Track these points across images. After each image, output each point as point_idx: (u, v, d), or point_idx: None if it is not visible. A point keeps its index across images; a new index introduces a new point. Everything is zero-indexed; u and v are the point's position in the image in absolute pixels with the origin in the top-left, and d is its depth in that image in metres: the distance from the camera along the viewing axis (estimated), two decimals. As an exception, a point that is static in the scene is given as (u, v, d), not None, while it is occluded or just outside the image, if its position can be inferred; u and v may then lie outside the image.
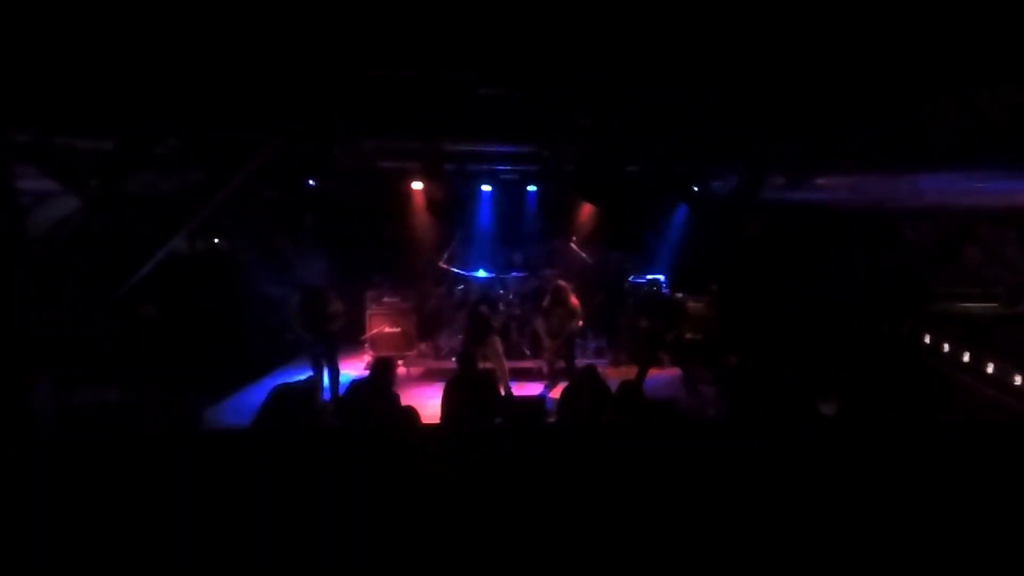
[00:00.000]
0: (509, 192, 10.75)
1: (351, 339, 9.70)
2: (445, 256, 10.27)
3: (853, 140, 5.57)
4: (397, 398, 5.21)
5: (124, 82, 4.54)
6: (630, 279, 10.53)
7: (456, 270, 10.19)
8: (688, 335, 9.15)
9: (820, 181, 5.81)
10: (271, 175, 7.66)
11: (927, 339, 6.43)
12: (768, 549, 2.29)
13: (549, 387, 8.68)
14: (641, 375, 8.63)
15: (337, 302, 7.86)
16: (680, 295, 9.06)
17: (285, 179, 8.11)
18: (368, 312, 10.04)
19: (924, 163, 4.45)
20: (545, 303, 9.51)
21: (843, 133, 5.58)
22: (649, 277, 10.29)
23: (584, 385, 5.91)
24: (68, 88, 4.45)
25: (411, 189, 9.74)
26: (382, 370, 5.30)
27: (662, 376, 9.35)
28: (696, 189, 8.58)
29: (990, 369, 5.59)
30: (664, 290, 9.29)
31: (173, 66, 4.51)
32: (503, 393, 8.15)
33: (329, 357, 7.70)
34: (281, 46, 4.36)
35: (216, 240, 8.77)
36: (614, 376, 9.54)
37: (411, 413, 4.48)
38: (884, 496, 2.44)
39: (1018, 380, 5.36)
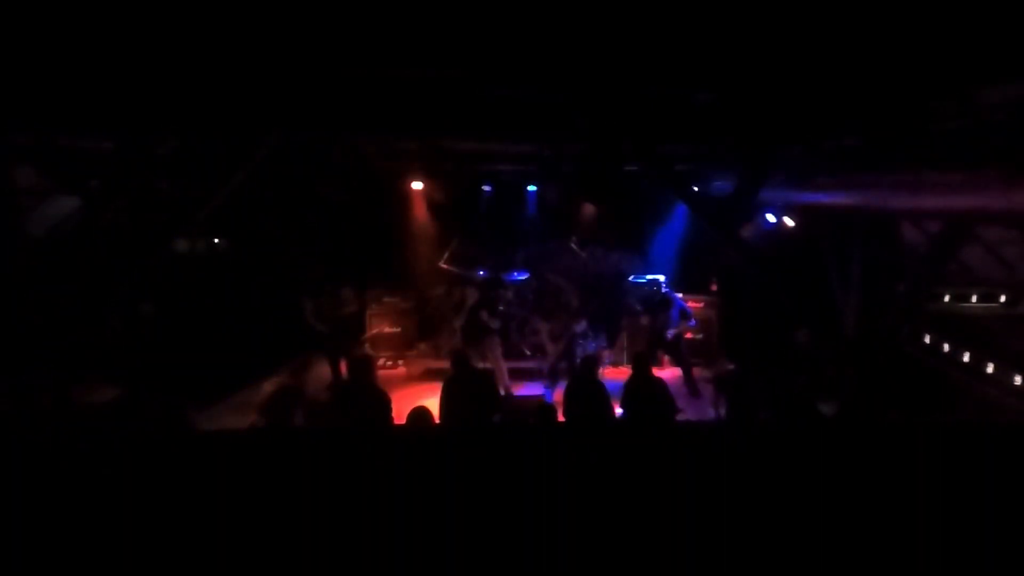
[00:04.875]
0: (509, 192, 10.78)
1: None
2: (445, 256, 10.28)
3: (853, 140, 5.57)
4: (383, 394, 5.32)
5: (124, 82, 4.53)
6: (630, 279, 10.55)
7: (456, 270, 10.20)
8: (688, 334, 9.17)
9: (820, 181, 5.80)
10: (270, 175, 7.67)
11: (927, 339, 6.45)
12: (768, 551, 2.27)
13: (550, 388, 8.68)
14: None
15: (346, 290, 8.41)
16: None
17: (285, 179, 8.14)
18: (368, 312, 10.06)
19: (924, 163, 4.45)
20: (547, 306, 9.53)
21: (843, 133, 5.58)
22: (649, 277, 10.31)
23: (584, 379, 6.00)
24: (68, 88, 4.44)
25: (411, 189, 9.74)
26: (362, 369, 5.41)
27: (661, 374, 9.33)
28: (696, 189, 8.58)
29: (990, 369, 5.60)
30: (664, 289, 9.29)
31: (173, 66, 4.51)
32: (502, 393, 8.18)
33: (346, 347, 7.97)
34: (281, 46, 4.35)
35: (216, 240, 8.80)
36: (614, 376, 9.57)
37: (424, 412, 4.54)
38: (884, 498, 2.40)
39: (1018, 380, 5.36)
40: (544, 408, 5.48)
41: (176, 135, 5.41)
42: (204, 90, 4.83)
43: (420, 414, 4.54)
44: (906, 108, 4.81)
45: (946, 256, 5.35)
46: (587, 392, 5.84)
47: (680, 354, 8.95)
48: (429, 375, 9.61)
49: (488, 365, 8.52)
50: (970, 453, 2.80)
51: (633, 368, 6.11)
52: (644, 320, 9.04)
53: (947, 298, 5.41)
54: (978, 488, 2.46)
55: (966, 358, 5.83)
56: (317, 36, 4.21)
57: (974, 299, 5.29)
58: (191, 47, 4.29)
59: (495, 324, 8.71)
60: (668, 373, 9.44)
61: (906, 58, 4.01)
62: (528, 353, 9.85)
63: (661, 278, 10.16)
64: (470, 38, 4.03)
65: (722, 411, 7.33)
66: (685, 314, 8.82)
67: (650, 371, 6.08)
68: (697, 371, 9.10)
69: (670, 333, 8.65)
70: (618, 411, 6.58)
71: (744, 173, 6.16)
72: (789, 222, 7.37)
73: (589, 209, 10.67)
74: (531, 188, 10.64)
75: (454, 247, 10.49)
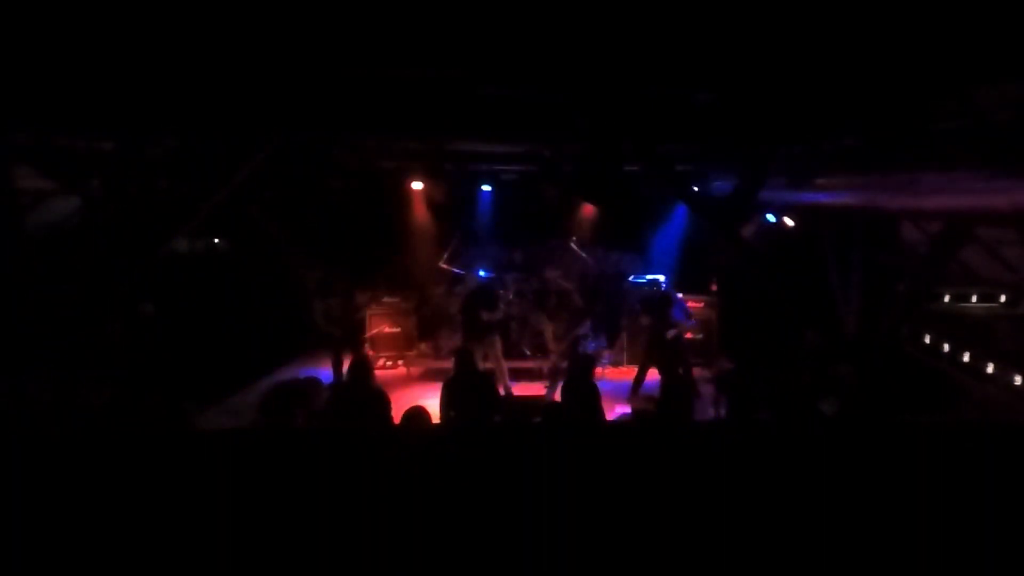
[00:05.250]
0: (509, 192, 10.80)
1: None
2: (445, 256, 10.30)
3: (853, 140, 5.59)
4: (383, 395, 5.37)
5: (124, 82, 4.54)
6: (630, 279, 10.51)
7: (456, 270, 10.21)
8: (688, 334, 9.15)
9: (820, 181, 5.82)
10: (269, 175, 7.71)
11: (927, 339, 6.47)
12: (769, 551, 2.26)
13: (551, 389, 8.70)
14: (641, 375, 8.64)
15: (360, 294, 9.00)
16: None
17: (284, 179, 8.17)
18: (368, 312, 10.09)
19: (924, 163, 4.47)
20: (551, 305, 9.53)
21: (843, 133, 5.60)
22: (649, 277, 10.29)
23: (579, 380, 6.05)
24: (68, 88, 4.45)
25: (411, 189, 9.76)
26: (359, 370, 5.48)
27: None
28: (696, 189, 8.58)
29: (990, 369, 5.62)
30: (664, 289, 9.30)
31: (172, 65, 4.51)
32: (503, 393, 8.19)
33: (355, 348, 8.31)
34: (281, 46, 4.36)
35: (216, 240, 8.86)
36: (614, 376, 9.59)
37: (420, 412, 4.55)
38: (884, 498, 2.42)
39: (1018, 380, 5.38)
40: (550, 408, 5.49)
41: (176, 135, 5.44)
42: (204, 90, 4.84)
43: (415, 414, 4.54)
44: (906, 108, 4.83)
45: (946, 256, 5.36)
46: (581, 393, 5.87)
47: (682, 354, 8.91)
48: (429, 375, 9.63)
49: (489, 365, 8.53)
50: (970, 453, 2.80)
51: (663, 371, 6.64)
52: (645, 320, 8.96)
53: (947, 298, 5.44)
54: (978, 488, 2.46)
55: (966, 358, 5.87)
56: (317, 36, 4.22)
57: (974, 299, 5.32)
58: (190, 46, 4.29)
59: (495, 322, 8.73)
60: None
61: (906, 57, 4.01)
62: (528, 353, 9.85)
63: (661, 278, 10.17)
64: (470, 38, 4.03)
65: (722, 411, 7.33)
66: (686, 314, 8.79)
67: (474, 367, 6.33)
68: (697, 371, 9.10)
69: (670, 333, 8.63)
70: (621, 410, 6.60)
71: (744, 173, 6.18)
72: (789, 222, 7.39)
73: (589, 209, 10.68)
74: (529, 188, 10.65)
75: (454, 247, 10.52)
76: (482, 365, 8.19)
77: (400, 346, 10.16)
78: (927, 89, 4.49)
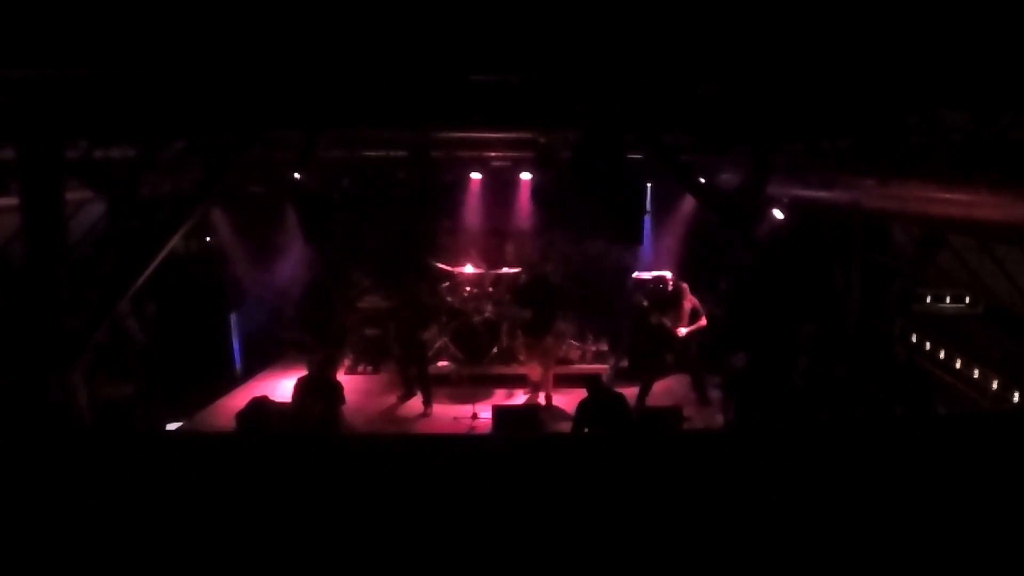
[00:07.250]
0: (501, 181, 11.31)
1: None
2: (438, 254, 10.95)
3: (861, 139, 6.35)
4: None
5: (141, 89, 5.28)
6: (634, 275, 10.94)
7: (447, 267, 10.83)
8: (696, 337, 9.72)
9: (817, 179, 6.62)
10: (257, 170, 8.47)
11: (914, 340, 7.46)
12: (769, 553, 2.46)
13: (546, 396, 9.51)
14: (647, 386, 9.22)
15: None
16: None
17: (270, 174, 8.85)
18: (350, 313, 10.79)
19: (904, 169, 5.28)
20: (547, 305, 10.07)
21: (848, 132, 6.37)
22: (655, 273, 10.73)
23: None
24: (94, 101, 5.22)
25: (401, 180, 10.49)
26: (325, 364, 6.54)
27: (666, 381, 9.92)
28: (703, 181, 9.21)
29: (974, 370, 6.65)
30: (671, 286, 9.84)
31: (177, 68, 5.19)
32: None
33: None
34: (277, 44, 4.94)
35: (208, 239, 9.66)
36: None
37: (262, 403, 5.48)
38: (886, 497, 2.68)
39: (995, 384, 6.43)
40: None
41: (184, 138, 6.23)
42: (210, 92, 5.55)
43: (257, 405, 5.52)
44: (911, 113, 5.62)
45: (925, 257, 6.31)
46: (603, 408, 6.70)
47: (691, 356, 9.55)
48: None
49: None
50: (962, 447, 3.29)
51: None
52: (654, 319, 9.44)
53: (928, 299, 6.45)
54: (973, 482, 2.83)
55: (957, 364, 6.88)
56: (321, 36, 4.84)
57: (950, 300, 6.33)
58: (188, 46, 4.95)
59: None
60: (673, 378, 10.11)
61: (913, 63, 4.70)
62: (522, 359, 10.22)
63: (668, 274, 10.56)
64: (465, 22, 4.59)
65: (731, 415, 8.08)
66: (697, 312, 9.32)
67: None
68: (705, 376, 9.65)
69: (681, 332, 9.19)
70: None
71: (751, 166, 6.94)
72: (778, 214, 8.04)
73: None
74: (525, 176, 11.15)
75: (445, 242, 11.22)
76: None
77: (382, 349, 10.71)
78: (926, 94, 5.29)
